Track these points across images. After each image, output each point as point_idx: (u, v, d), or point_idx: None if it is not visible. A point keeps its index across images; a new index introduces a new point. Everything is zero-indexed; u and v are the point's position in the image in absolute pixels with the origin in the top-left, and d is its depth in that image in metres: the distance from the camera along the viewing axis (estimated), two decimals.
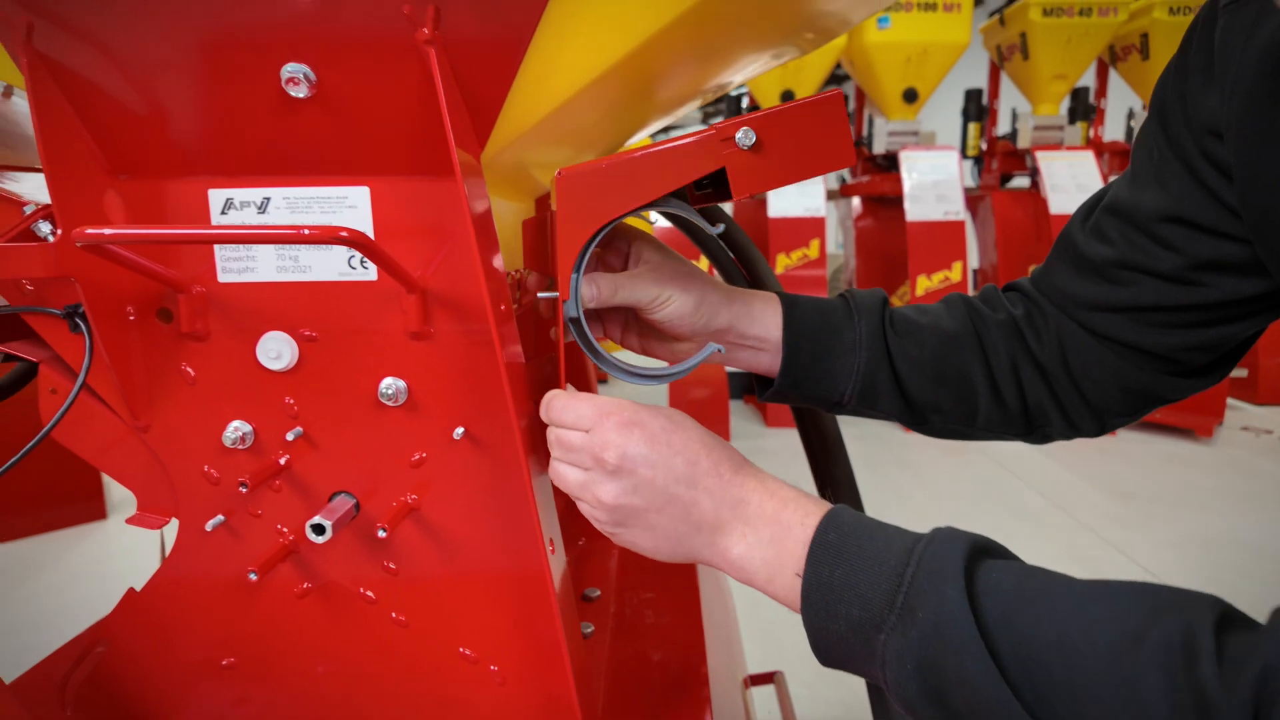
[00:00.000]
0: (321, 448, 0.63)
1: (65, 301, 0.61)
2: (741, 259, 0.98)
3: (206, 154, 0.58)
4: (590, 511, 0.55)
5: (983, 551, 0.45)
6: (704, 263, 3.50)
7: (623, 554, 1.00)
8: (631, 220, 0.63)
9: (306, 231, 0.48)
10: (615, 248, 0.67)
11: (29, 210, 0.57)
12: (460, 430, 0.61)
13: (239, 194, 0.59)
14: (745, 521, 0.52)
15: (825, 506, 0.50)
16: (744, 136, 0.56)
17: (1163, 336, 0.60)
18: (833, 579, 0.45)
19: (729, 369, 3.87)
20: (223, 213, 0.60)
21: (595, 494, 0.54)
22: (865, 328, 0.65)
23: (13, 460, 0.59)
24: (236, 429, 0.62)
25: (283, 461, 0.63)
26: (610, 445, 0.53)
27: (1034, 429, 0.67)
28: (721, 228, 0.62)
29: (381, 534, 0.58)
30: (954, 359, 0.65)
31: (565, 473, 0.56)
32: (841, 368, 0.65)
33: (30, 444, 0.58)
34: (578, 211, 0.57)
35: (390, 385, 0.61)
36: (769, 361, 0.67)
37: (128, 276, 0.59)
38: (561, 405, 0.57)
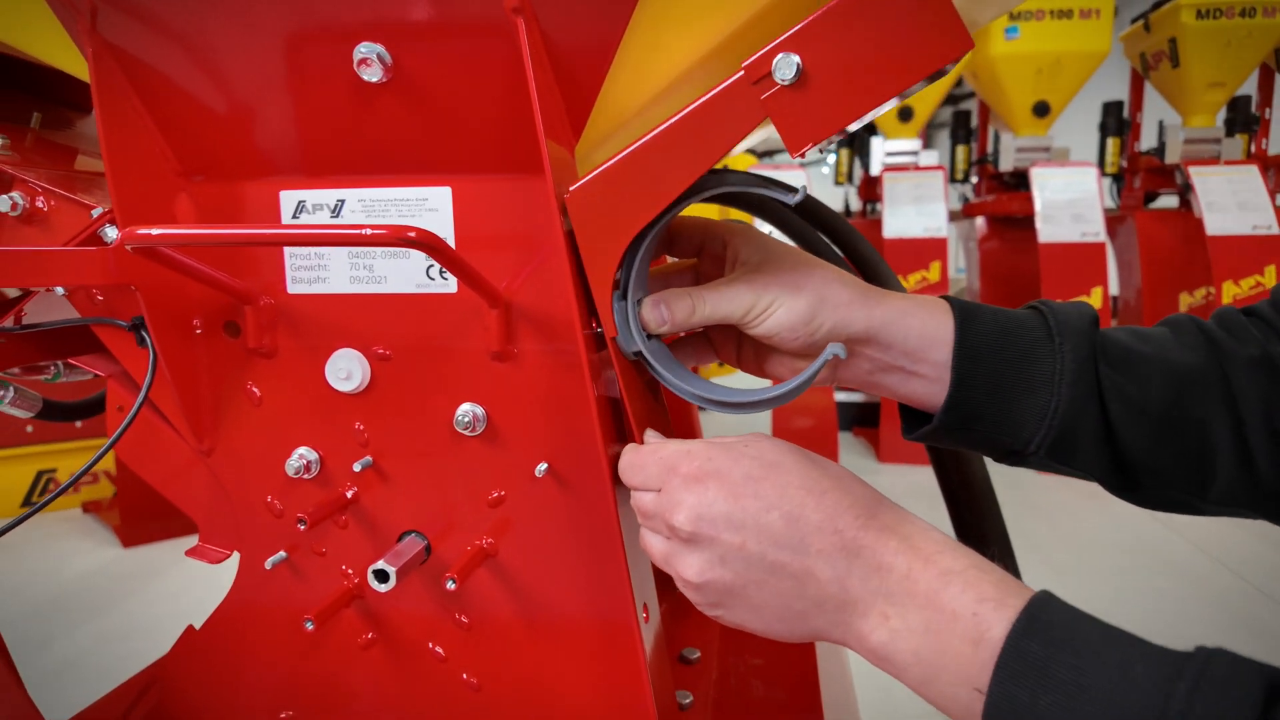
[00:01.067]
0: (392, 480, 0.56)
1: (136, 313, 0.56)
2: (847, 250, 0.82)
3: (278, 150, 0.52)
4: (680, 588, 0.45)
5: None
6: None
7: None
8: (736, 214, 0.51)
9: (368, 231, 0.41)
10: (710, 252, 0.53)
11: (97, 214, 0.54)
12: (543, 466, 0.53)
13: (312, 196, 0.54)
14: (887, 598, 0.39)
15: (1012, 588, 0.37)
16: (783, 67, 0.41)
17: None
18: (1036, 709, 0.32)
19: (837, 395, 3.67)
20: (294, 217, 0.54)
21: (677, 569, 0.43)
22: (1070, 355, 0.48)
23: (72, 479, 0.55)
24: (301, 457, 0.56)
25: (349, 495, 0.56)
26: (679, 506, 0.42)
27: None
28: (802, 193, 0.46)
29: (450, 585, 0.50)
30: (1190, 406, 0.48)
31: (649, 542, 0.46)
32: (1031, 406, 0.49)
33: (89, 463, 0.54)
34: (599, 231, 0.45)
35: (467, 412, 0.53)
36: (925, 390, 0.51)
37: (194, 286, 0.54)
38: (627, 464, 0.47)
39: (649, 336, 0.49)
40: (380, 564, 0.51)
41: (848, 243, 0.82)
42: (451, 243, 0.53)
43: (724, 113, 0.43)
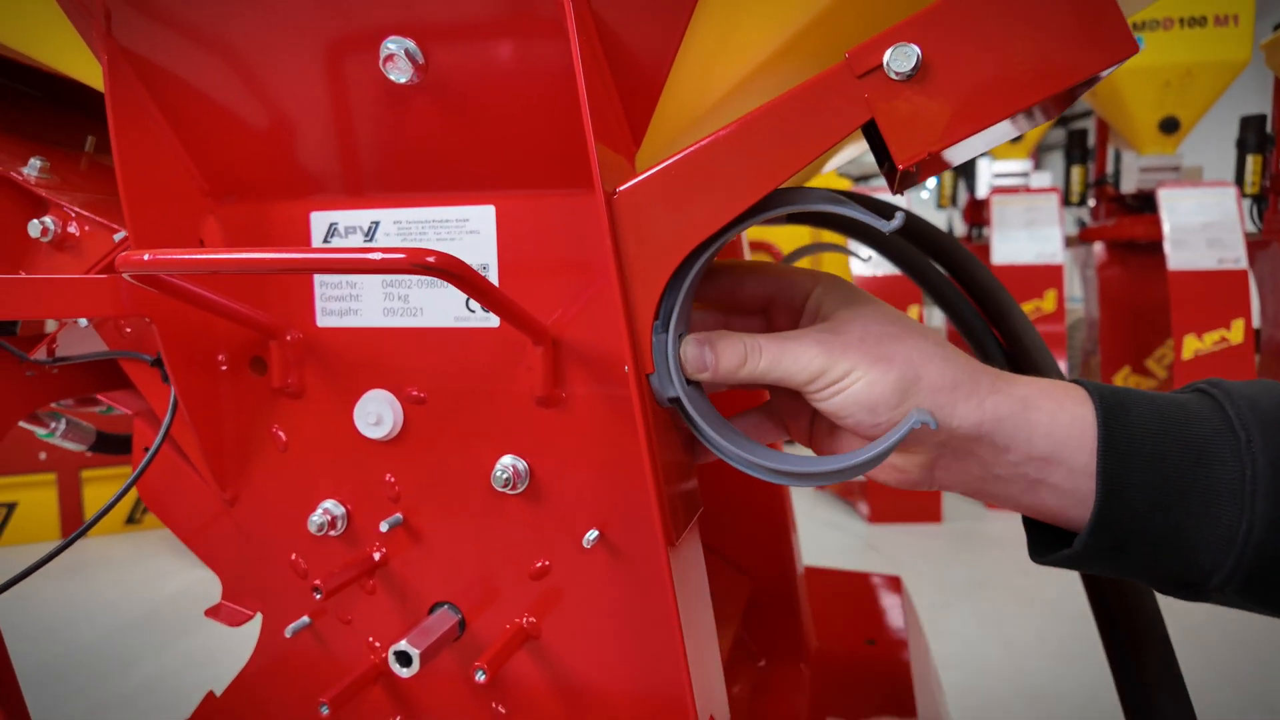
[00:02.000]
0: (424, 543, 0.48)
1: None
2: (961, 277, 0.69)
3: (307, 166, 0.47)
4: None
5: None
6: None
7: (818, 686, 0.77)
8: (830, 235, 0.41)
9: (377, 256, 0.34)
10: (783, 304, 0.44)
11: (119, 238, 0.49)
12: (593, 534, 0.44)
13: (344, 218, 0.48)
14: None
15: None
16: (900, 59, 0.33)
17: None
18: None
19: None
20: (325, 241, 0.49)
21: None
22: (1263, 454, 0.35)
23: (90, 522, 0.51)
24: (326, 512, 0.49)
25: (377, 556, 0.49)
26: None
27: None
28: (900, 219, 0.35)
29: (480, 677, 0.42)
30: None
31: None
32: (1212, 525, 0.36)
33: (105, 507, 0.49)
34: (649, 241, 0.37)
35: (508, 467, 0.45)
36: (1058, 504, 0.39)
37: (217, 319, 0.49)
38: None
39: (689, 382, 0.40)
40: (402, 645, 0.43)
41: (962, 268, 0.71)
42: (494, 269, 0.45)
43: (817, 108, 0.34)
